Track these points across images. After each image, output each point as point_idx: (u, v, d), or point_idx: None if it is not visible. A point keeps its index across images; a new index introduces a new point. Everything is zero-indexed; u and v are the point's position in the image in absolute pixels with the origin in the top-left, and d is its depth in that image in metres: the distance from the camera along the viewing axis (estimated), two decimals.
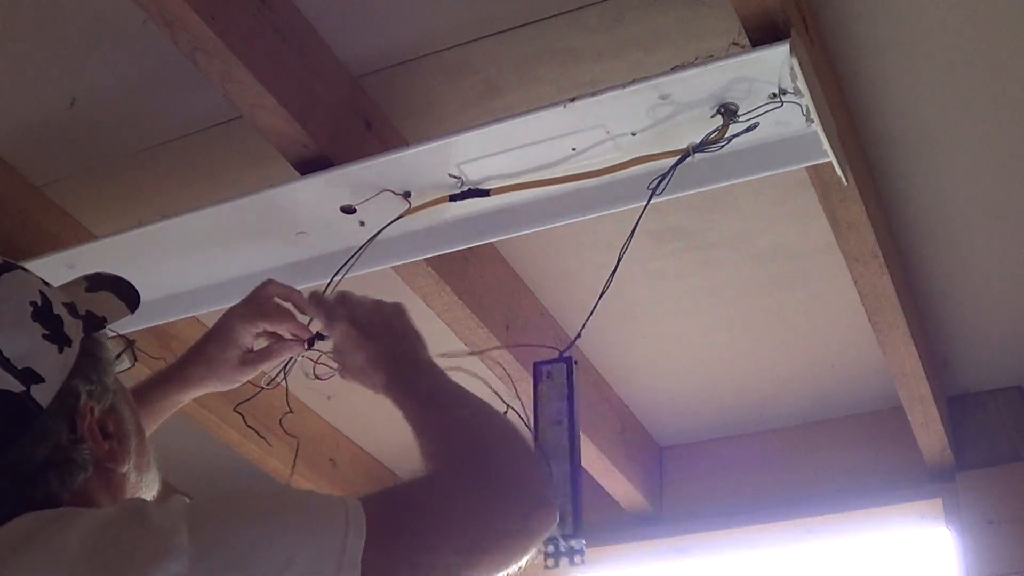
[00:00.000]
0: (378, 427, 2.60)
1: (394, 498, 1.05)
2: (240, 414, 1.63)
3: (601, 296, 1.48)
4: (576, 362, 1.44)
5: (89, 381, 1.05)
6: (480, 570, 1.05)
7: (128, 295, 1.20)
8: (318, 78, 1.65)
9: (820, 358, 2.36)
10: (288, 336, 1.50)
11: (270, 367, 1.54)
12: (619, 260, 1.49)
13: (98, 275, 1.20)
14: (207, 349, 1.50)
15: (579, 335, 1.51)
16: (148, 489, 1.15)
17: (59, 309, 1.05)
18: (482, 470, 1.10)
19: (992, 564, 2.22)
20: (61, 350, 1.02)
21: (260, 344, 1.52)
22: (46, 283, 1.08)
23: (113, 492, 1.07)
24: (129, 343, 1.21)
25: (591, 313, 1.48)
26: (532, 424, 1.41)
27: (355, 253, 1.63)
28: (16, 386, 0.98)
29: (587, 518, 1.36)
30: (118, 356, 1.18)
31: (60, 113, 1.82)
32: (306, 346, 1.50)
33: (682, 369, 2.45)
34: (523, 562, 1.09)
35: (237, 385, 1.54)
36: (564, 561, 1.34)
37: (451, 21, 1.64)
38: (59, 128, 1.87)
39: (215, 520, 0.93)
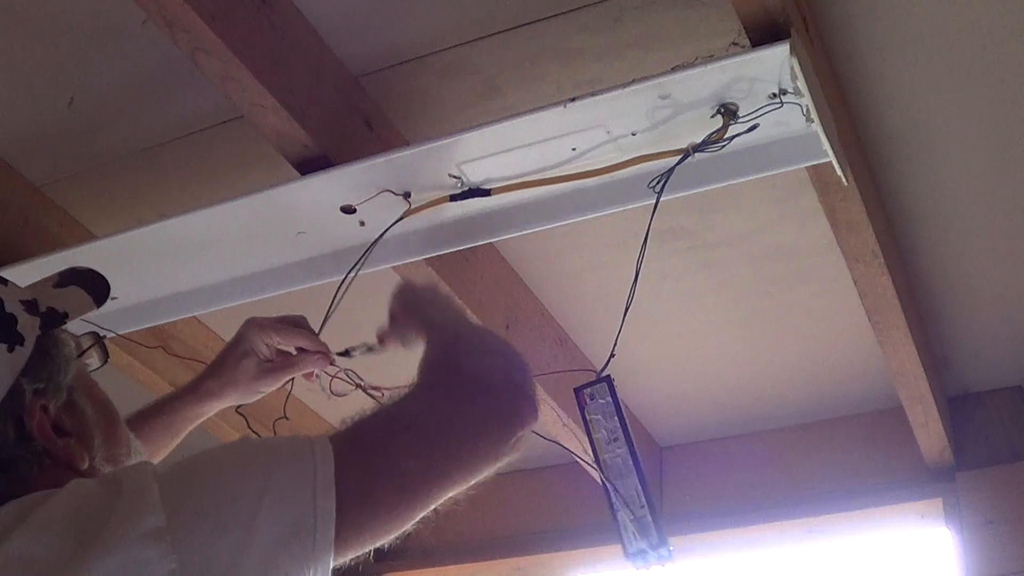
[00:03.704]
0: None
1: (365, 420, 1.06)
2: (243, 415, 1.63)
3: (626, 312, 1.49)
4: (614, 379, 1.45)
5: (38, 379, 1.04)
6: (464, 471, 1.07)
7: (97, 289, 1.17)
8: (318, 78, 1.65)
9: (820, 358, 2.36)
10: (308, 348, 1.52)
11: (289, 378, 1.54)
12: (637, 273, 1.50)
13: (72, 270, 1.18)
14: (224, 358, 1.51)
15: (612, 355, 1.50)
16: None
17: (13, 307, 1.04)
18: (452, 377, 1.14)
19: (992, 564, 2.22)
20: (11, 349, 1.02)
21: (278, 359, 1.53)
22: (2, 281, 1.07)
23: None
24: (98, 339, 1.20)
25: (620, 331, 1.49)
26: (591, 449, 1.41)
27: (362, 256, 1.64)
28: None
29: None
30: (83, 352, 1.17)
31: (60, 113, 1.82)
32: (330, 361, 1.51)
33: (682, 369, 2.45)
34: (507, 459, 1.11)
35: (257, 397, 1.53)
36: (655, 566, 1.38)
37: (451, 21, 1.64)
38: (59, 128, 1.87)
39: (183, 472, 0.95)
